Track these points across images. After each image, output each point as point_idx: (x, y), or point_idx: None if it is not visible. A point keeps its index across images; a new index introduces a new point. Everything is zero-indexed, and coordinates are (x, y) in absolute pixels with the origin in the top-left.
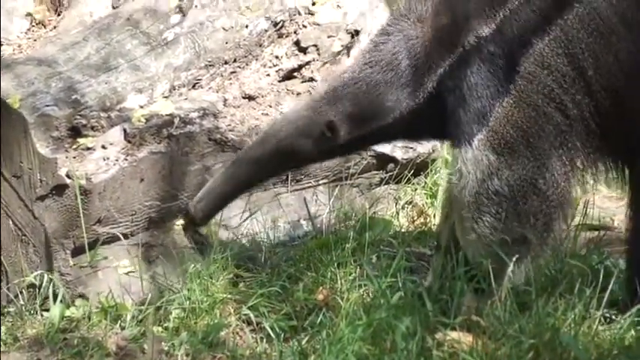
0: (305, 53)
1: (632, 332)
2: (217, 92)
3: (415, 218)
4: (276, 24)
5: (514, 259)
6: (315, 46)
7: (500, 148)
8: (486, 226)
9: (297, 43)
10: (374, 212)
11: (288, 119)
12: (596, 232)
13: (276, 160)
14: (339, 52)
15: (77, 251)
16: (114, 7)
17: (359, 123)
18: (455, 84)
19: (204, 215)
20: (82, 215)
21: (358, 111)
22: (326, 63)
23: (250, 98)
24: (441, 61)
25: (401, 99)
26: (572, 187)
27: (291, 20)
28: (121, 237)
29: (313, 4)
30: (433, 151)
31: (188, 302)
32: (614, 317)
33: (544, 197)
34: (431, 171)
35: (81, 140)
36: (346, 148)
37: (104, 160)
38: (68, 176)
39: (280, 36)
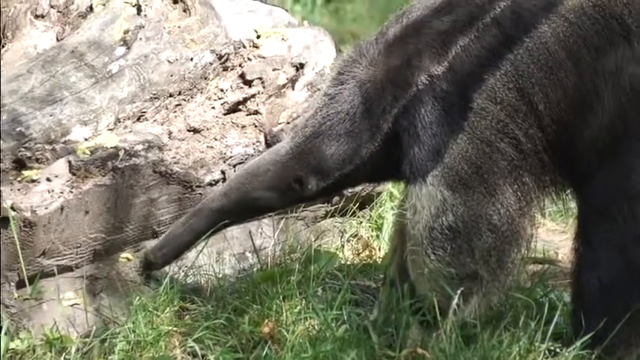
0: (250, 86)
1: None
2: (162, 125)
3: (360, 251)
4: (221, 57)
5: (459, 292)
6: (260, 79)
7: (454, 184)
8: (439, 260)
9: (242, 76)
10: (319, 245)
11: (252, 173)
12: (541, 266)
13: (240, 211)
14: (284, 85)
15: (22, 284)
16: (58, 40)
17: (325, 175)
18: (409, 122)
19: (164, 262)
20: (19, 250)
21: (323, 164)
22: (271, 96)
23: (195, 131)
24: (395, 102)
25: (361, 145)
26: (528, 223)
27: (236, 53)
28: (64, 270)
29: (258, 37)
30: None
31: (133, 335)
32: (558, 350)
33: (498, 234)
34: (376, 204)
35: (25, 172)
36: (312, 198)
37: (49, 192)
38: (13, 209)
39: (225, 69)
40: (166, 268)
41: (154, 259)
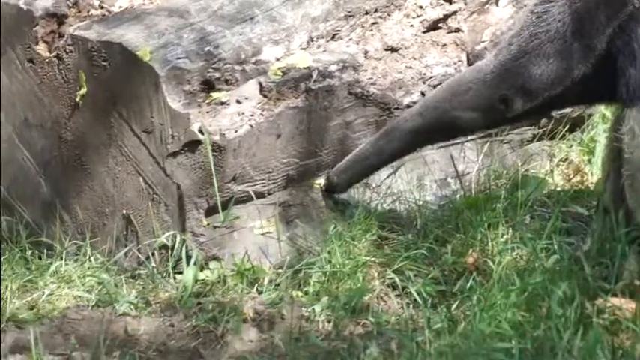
0: (451, 2)
1: None
2: (358, 44)
3: (571, 176)
4: None
5: None
6: None
7: None
8: None
9: None
10: (526, 170)
11: (452, 91)
12: None
13: (436, 132)
14: (487, 1)
15: (211, 211)
16: None
17: (532, 95)
18: (625, 43)
19: (347, 186)
20: (214, 173)
21: (531, 84)
22: (473, 13)
23: (393, 50)
24: (609, 21)
25: (572, 66)
26: None
27: None
28: (255, 196)
29: None
30: None
31: (329, 265)
32: None
33: None
34: (587, 126)
35: (214, 94)
36: (516, 120)
37: (239, 115)
38: (201, 132)
39: None
40: (364, 196)
41: (337, 181)
